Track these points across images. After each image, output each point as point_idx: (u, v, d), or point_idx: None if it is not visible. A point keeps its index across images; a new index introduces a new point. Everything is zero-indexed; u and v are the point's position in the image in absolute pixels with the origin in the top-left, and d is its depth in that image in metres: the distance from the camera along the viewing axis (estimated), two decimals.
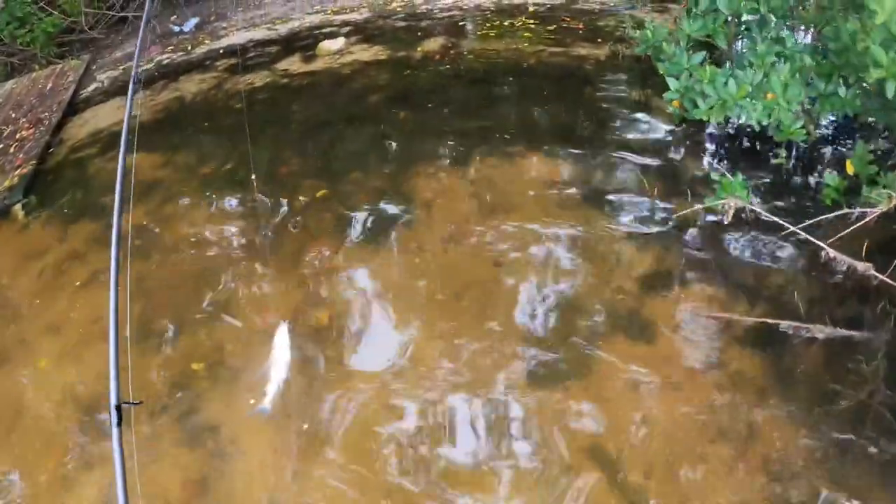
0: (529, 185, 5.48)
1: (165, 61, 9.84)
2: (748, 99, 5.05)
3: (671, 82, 5.56)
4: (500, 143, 6.03)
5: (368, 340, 4.43)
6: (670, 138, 6.01)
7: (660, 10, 8.95)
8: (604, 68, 7.21)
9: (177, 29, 10.65)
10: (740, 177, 4.70)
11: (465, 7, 9.61)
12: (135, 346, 3.17)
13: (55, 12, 10.28)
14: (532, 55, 7.70)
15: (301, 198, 5.82)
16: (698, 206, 4.83)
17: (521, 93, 6.89)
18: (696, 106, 5.47)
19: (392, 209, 5.45)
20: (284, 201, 5.82)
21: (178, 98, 8.47)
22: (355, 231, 5.29)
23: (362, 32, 9.22)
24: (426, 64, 7.84)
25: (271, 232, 5.49)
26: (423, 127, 6.48)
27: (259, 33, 9.99)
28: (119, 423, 1.89)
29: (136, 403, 1.97)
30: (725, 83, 5.21)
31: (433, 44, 8.39)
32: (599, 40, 8.00)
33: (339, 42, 8.81)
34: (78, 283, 5.58)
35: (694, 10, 6.29)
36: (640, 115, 6.31)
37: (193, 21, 10.74)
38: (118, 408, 1.91)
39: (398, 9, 9.91)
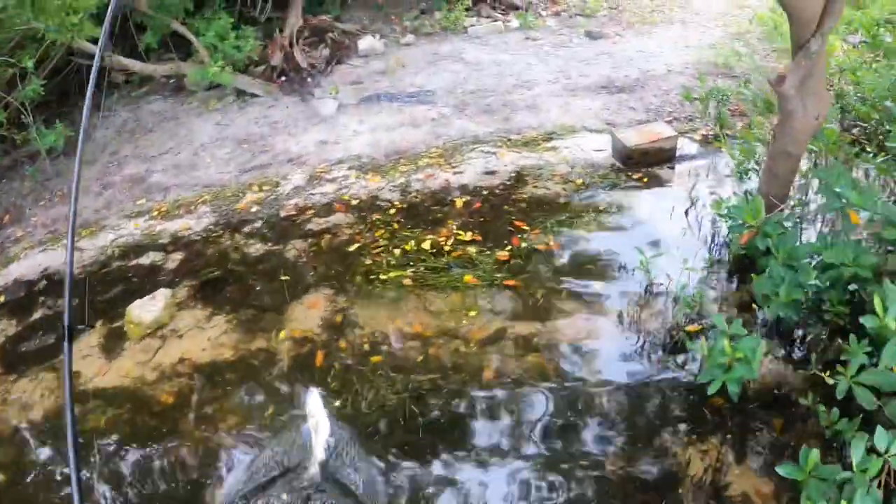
0: None
1: None
2: None
3: None
4: None
5: None
6: None
7: (651, 180, 5.70)
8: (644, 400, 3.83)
9: None
10: None
11: (357, 202, 6.10)
12: None
13: None
14: (489, 363, 4.21)
15: None
16: None
17: None
18: None
19: None
20: None
21: None
22: None
23: (197, 269, 5.60)
24: (298, 384, 4.26)
25: None
26: None
27: (57, 257, 6.23)
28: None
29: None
30: None
31: (308, 315, 4.84)
32: (601, 295, 4.62)
33: (157, 304, 5.19)
34: None
35: None
36: None
37: None
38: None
39: (253, 207, 6.28)
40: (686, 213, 5.52)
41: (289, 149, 7.26)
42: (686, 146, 6.54)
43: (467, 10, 10.07)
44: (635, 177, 6.09)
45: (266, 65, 8.86)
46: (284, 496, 3.11)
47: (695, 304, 4.26)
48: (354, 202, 6.10)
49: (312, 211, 6.08)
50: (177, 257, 5.93)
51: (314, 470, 3.22)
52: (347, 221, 5.81)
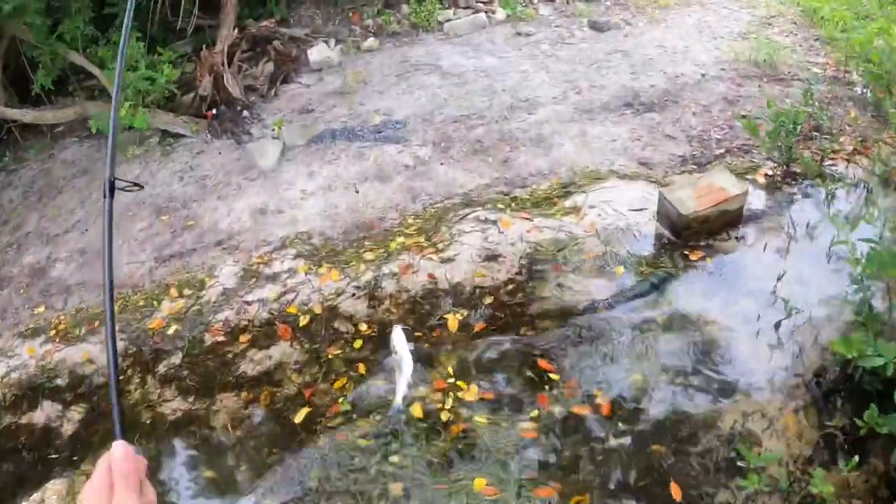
0: None
1: None
2: None
3: None
4: None
5: None
6: None
7: (716, 260, 4.02)
8: None
9: None
10: None
11: (307, 320, 4.34)
12: None
13: None
14: None
15: None
16: None
17: None
18: None
19: None
20: None
21: None
22: None
23: (99, 442, 3.89)
24: None
25: None
26: None
27: None
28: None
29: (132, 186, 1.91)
30: None
31: None
32: None
33: None
34: None
35: None
36: None
37: None
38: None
39: (171, 326, 4.53)
40: (777, 326, 3.79)
41: (217, 223, 5.44)
42: (750, 196, 4.78)
43: (441, 0, 8.13)
44: (694, 257, 4.36)
45: (195, 93, 6.96)
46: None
47: None
48: (303, 320, 4.33)
49: (247, 336, 4.32)
50: (76, 415, 4.28)
51: (397, 402, 3.29)
52: (294, 359, 4.07)
